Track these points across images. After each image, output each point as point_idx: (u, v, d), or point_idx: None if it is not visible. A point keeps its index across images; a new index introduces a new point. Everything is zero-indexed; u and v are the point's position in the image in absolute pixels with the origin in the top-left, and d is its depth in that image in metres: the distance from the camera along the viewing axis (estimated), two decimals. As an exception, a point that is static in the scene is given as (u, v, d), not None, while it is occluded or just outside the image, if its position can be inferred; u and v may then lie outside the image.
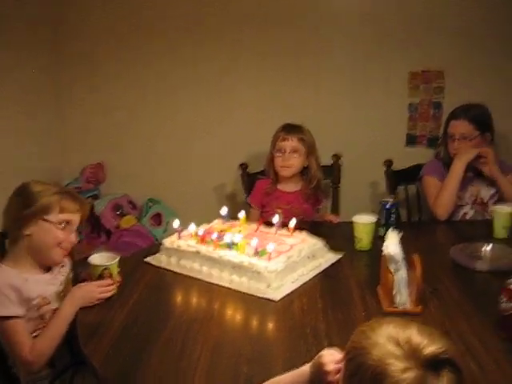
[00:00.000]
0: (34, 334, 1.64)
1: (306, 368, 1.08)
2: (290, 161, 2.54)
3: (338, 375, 1.02)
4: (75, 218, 1.73)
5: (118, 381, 1.33)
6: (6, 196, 1.74)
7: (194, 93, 3.13)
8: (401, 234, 1.73)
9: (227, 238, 1.91)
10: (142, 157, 3.27)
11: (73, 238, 1.75)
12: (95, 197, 3.22)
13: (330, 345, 1.40)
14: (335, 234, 2.30)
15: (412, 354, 0.86)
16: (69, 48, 3.16)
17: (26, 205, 1.66)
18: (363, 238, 2.09)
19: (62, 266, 1.88)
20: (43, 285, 1.71)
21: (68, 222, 1.70)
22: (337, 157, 2.87)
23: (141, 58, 3.13)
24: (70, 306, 1.67)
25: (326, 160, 2.85)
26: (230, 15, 3.03)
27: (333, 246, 2.09)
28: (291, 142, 2.54)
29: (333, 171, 2.88)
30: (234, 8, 3.01)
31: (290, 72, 3.02)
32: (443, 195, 2.40)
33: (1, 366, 1.70)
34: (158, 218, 3.18)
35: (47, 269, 1.79)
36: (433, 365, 0.85)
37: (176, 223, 2.10)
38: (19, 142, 2.83)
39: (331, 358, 1.03)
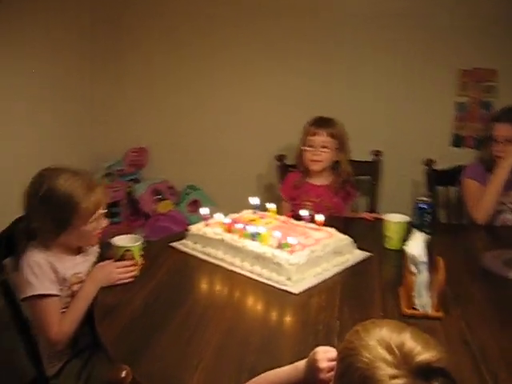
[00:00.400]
0: (63, 311, 1.68)
1: (302, 363, 1.06)
2: (320, 155, 2.51)
3: (330, 373, 0.99)
4: (101, 210, 1.74)
5: (127, 360, 1.34)
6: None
7: (236, 83, 3.13)
8: (428, 236, 1.67)
9: (251, 229, 1.90)
10: (184, 144, 3.29)
11: (103, 223, 1.77)
12: (136, 180, 3.28)
13: (340, 343, 1.39)
14: (368, 232, 2.26)
15: (403, 360, 0.82)
16: (113, 32, 3.21)
17: (54, 216, 1.64)
18: (393, 237, 2.03)
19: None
20: (77, 265, 1.75)
21: (99, 215, 1.73)
22: (377, 153, 2.80)
23: (186, 50, 3.15)
24: (91, 286, 1.70)
25: (366, 156, 2.79)
26: (266, 5, 3.00)
27: (363, 244, 2.05)
28: (321, 137, 2.50)
29: (372, 168, 2.81)
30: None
31: (333, 64, 2.96)
32: (485, 199, 2.31)
33: (27, 341, 1.75)
34: (195, 205, 3.20)
35: (78, 251, 1.83)
36: (424, 373, 0.81)
37: (204, 210, 2.10)
38: (66, 125, 2.91)
39: (325, 355, 1.00)
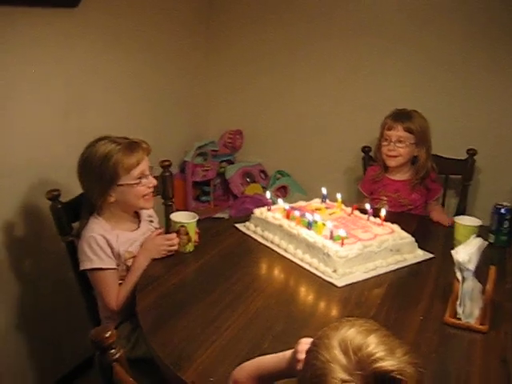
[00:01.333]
0: (120, 282, 1.81)
1: (289, 352, 1.04)
2: (396, 151, 2.39)
3: None
4: (143, 166, 1.80)
5: (150, 329, 1.40)
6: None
7: (330, 72, 3.06)
8: (486, 243, 1.54)
9: (308, 217, 1.88)
10: (279, 130, 3.30)
11: (151, 181, 1.83)
12: (230, 162, 3.36)
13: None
14: (438, 233, 2.13)
15: (358, 365, 0.78)
16: (219, 19, 3.28)
17: (97, 177, 1.75)
18: (462, 241, 1.86)
19: (151, 221, 2.02)
20: (132, 241, 1.86)
21: (142, 172, 1.80)
22: (472, 151, 2.61)
23: (285, 39, 3.13)
24: (143, 259, 1.80)
25: (460, 154, 2.62)
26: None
27: (429, 245, 1.94)
28: (397, 132, 2.38)
29: (465, 167, 2.63)
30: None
31: (432, 55, 2.77)
32: None
33: (92, 309, 1.91)
34: (283, 191, 3.21)
35: (137, 225, 1.93)
36: (378, 382, 0.77)
37: (268, 195, 2.12)
38: (169, 105, 3.04)
39: (306, 346, 0.98)
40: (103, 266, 1.76)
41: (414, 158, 2.45)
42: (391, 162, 2.44)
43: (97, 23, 2.39)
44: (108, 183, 1.76)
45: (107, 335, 0.98)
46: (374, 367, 0.77)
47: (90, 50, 2.38)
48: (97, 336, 0.98)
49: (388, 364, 0.77)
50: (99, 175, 1.75)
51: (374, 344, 0.80)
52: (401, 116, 2.41)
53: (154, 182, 1.86)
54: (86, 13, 2.29)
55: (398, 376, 0.77)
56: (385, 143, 2.43)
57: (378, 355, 0.78)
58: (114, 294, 1.76)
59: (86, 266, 1.76)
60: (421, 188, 2.45)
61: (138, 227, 1.92)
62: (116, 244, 1.80)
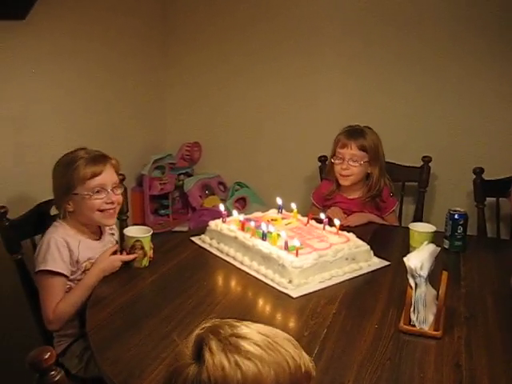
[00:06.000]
0: None
1: None
2: (349, 169, 2.36)
3: None
4: (103, 179, 1.77)
5: (100, 347, 1.36)
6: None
7: (289, 84, 3.07)
8: (439, 249, 1.56)
9: (263, 228, 1.87)
10: (237, 141, 3.28)
11: (110, 197, 1.79)
12: (188, 174, 3.33)
13: (319, 352, 1.33)
14: (395, 241, 2.14)
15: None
16: (173, 34, 3.26)
17: (58, 183, 1.78)
18: (417, 248, 1.90)
19: (113, 233, 1.98)
20: (92, 250, 1.82)
21: (100, 185, 1.76)
22: (427, 159, 2.64)
23: (240, 47, 3.14)
24: (94, 275, 1.74)
25: (415, 161, 2.65)
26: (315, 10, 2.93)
27: (385, 252, 1.95)
28: (350, 150, 2.35)
29: (421, 174, 2.66)
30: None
31: (391, 65, 2.82)
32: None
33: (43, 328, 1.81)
34: (243, 202, 3.20)
35: (99, 236, 1.90)
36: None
37: (221, 207, 2.10)
38: (125, 118, 3.00)
39: None
40: (54, 270, 1.70)
41: (367, 175, 2.43)
42: (345, 182, 2.41)
43: (46, 36, 2.34)
44: (65, 190, 1.75)
45: (46, 356, 0.94)
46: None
47: (40, 63, 2.33)
48: (35, 358, 0.93)
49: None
50: (60, 181, 1.76)
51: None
52: (353, 133, 2.39)
53: (114, 198, 1.80)
54: (35, 25, 2.24)
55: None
56: (338, 161, 2.39)
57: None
58: (55, 302, 1.70)
59: (39, 267, 1.71)
60: (372, 205, 2.43)
61: (100, 238, 1.88)
62: (77, 250, 1.76)
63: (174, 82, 3.35)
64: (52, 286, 1.71)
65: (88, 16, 2.59)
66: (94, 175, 1.74)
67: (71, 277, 1.75)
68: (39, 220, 1.90)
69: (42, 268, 1.70)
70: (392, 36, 2.77)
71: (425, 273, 1.42)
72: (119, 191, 1.83)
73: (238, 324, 0.84)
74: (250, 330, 0.83)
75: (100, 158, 1.78)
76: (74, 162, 1.73)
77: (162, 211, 3.21)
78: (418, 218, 2.62)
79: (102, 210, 1.79)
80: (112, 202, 1.80)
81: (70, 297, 1.71)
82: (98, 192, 1.76)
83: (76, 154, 1.76)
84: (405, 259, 1.46)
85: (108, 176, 1.78)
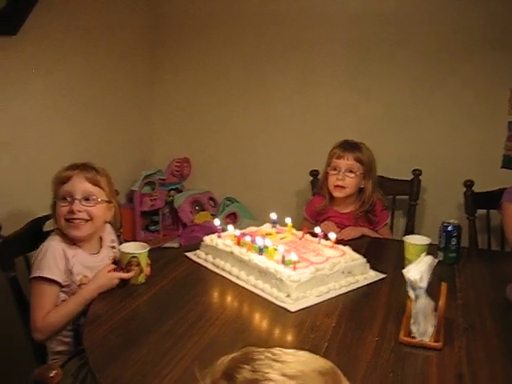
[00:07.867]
0: None
1: None
2: (345, 180, 2.37)
3: None
4: (72, 187, 1.74)
5: (100, 365, 1.34)
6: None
7: (280, 98, 3.09)
8: (436, 260, 1.56)
9: (259, 242, 1.86)
10: (226, 156, 3.29)
11: (74, 206, 1.73)
12: (178, 190, 3.32)
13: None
14: (390, 253, 2.15)
15: None
16: (163, 47, 3.28)
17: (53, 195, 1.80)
18: (412, 260, 1.89)
19: (113, 246, 1.96)
20: (88, 266, 1.79)
21: (67, 192, 1.75)
22: (417, 172, 2.67)
23: (230, 63, 3.16)
24: (90, 291, 1.71)
25: (406, 174, 2.68)
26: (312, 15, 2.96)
27: (381, 265, 1.96)
28: (347, 161, 2.38)
29: (411, 187, 2.69)
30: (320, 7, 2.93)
31: (376, 79, 2.86)
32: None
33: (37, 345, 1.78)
34: (233, 217, 3.19)
35: (97, 250, 1.88)
36: None
37: (216, 222, 2.09)
38: (115, 135, 2.99)
39: None
40: (49, 277, 1.67)
41: (360, 190, 2.45)
42: (339, 194, 2.41)
43: (37, 52, 2.33)
44: (53, 199, 1.77)
45: (52, 374, 0.92)
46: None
47: (30, 79, 2.32)
48: (40, 376, 0.92)
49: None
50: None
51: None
52: (350, 146, 2.42)
53: (79, 208, 1.73)
54: (26, 41, 2.24)
55: None
56: (333, 172, 2.40)
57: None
58: (45, 309, 1.67)
59: (34, 273, 1.69)
60: (365, 219, 2.44)
61: (98, 252, 1.86)
62: (72, 260, 1.74)
63: (162, 98, 3.35)
64: (44, 293, 1.69)
65: (78, 33, 2.60)
66: (63, 182, 1.75)
67: (64, 288, 1.73)
68: (33, 237, 1.88)
69: (37, 275, 1.68)
70: (385, 53, 2.82)
71: (424, 284, 1.43)
72: (92, 203, 1.76)
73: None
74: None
75: (76, 166, 1.77)
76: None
77: (153, 227, 3.20)
78: (409, 230, 2.64)
79: (67, 220, 1.75)
80: (73, 212, 1.73)
81: (62, 308, 1.69)
82: (63, 199, 1.74)
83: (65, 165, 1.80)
84: (404, 271, 1.46)
85: (77, 184, 1.74)
